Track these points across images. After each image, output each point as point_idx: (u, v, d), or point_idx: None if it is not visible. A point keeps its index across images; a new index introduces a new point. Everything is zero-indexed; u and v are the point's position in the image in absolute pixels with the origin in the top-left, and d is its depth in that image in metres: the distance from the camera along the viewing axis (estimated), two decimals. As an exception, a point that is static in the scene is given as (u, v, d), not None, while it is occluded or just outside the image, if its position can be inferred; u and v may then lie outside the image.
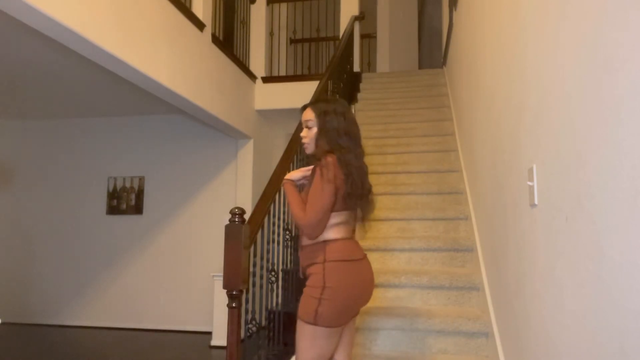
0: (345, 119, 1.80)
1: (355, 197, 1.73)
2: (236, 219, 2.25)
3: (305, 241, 1.77)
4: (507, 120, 1.94)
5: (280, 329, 2.68)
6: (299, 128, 1.91)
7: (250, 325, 2.48)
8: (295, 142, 3.11)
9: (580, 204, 1.14)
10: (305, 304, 1.68)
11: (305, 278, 1.76)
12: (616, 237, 0.96)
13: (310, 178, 1.77)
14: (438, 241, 3.14)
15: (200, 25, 4.32)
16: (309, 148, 1.84)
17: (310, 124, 1.81)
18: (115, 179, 6.13)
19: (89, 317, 5.90)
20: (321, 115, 1.81)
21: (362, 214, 1.80)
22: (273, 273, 2.70)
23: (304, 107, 1.88)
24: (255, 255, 2.51)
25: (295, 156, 3.01)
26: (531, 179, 1.52)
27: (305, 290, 1.71)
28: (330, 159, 1.70)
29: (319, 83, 4.03)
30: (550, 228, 1.37)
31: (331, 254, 1.70)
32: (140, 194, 6.06)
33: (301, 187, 1.86)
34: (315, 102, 1.88)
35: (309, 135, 1.82)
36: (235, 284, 2.21)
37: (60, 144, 6.31)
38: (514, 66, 1.81)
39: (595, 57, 1.05)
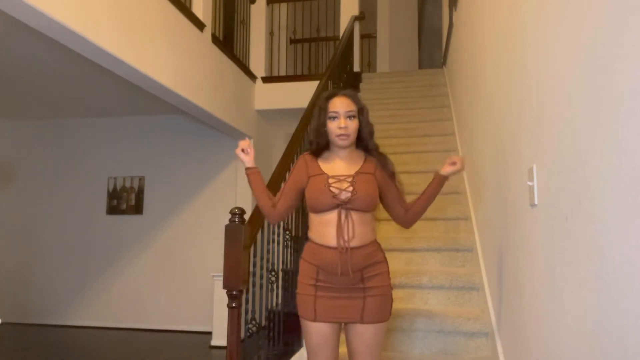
0: None
1: None
2: (236, 219, 2.25)
3: (354, 242, 1.66)
4: (507, 120, 1.94)
5: (280, 329, 2.68)
6: (322, 114, 1.74)
7: (250, 325, 2.48)
8: (295, 141, 3.11)
9: (580, 204, 1.14)
10: (388, 304, 1.72)
11: (359, 280, 1.68)
12: (616, 237, 0.96)
13: (378, 172, 1.77)
14: (438, 241, 3.14)
15: (200, 25, 4.32)
16: (349, 140, 1.73)
17: (352, 113, 1.72)
18: (115, 179, 6.13)
19: (89, 317, 5.90)
20: (363, 109, 1.76)
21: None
22: (273, 273, 2.70)
23: (334, 95, 1.76)
24: (255, 255, 2.51)
25: (295, 156, 3.00)
26: (531, 179, 1.52)
27: (382, 290, 1.70)
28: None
29: (319, 83, 4.03)
30: (550, 228, 1.37)
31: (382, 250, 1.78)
32: (140, 194, 6.06)
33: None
34: (353, 94, 1.79)
35: (351, 127, 1.71)
36: (235, 284, 2.21)
37: (60, 144, 6.31)
38: (514, 66, 1.81)
39: (595, 57, 1.05)
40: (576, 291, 1.17)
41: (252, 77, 5.55)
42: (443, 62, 5.47)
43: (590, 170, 1.08)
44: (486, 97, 2.48)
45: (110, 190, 6.13)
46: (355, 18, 5.85)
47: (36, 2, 2.50)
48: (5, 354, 4.57)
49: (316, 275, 1.69)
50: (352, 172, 1.73)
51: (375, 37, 7.61)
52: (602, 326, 1.02)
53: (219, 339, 4.65)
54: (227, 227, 2.25)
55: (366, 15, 6.26)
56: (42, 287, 6.07)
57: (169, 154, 6.04)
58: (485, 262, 2.64)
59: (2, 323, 5.40)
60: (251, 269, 2.40)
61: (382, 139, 4.37)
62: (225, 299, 2.27)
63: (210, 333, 4.95)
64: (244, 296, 2.31)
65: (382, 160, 1.80)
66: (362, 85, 5.57)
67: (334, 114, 1.71)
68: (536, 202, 1.49)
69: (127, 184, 6.10)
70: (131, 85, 3.79)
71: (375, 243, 1.74)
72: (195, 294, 5.64)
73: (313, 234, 1.74)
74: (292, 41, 6.84)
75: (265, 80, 5.68)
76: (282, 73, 6.16)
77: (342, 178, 1.70)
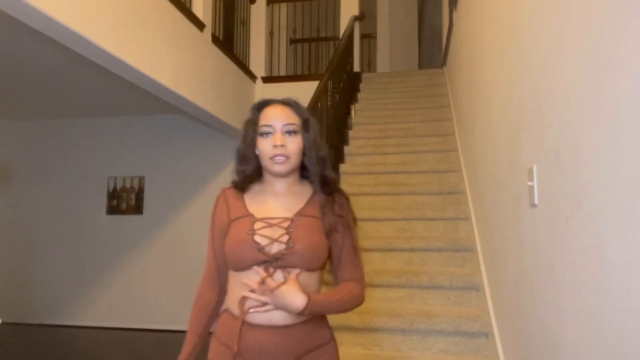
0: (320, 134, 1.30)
1: None
2: (236, 219, 2.23)
3: (290, 319, 1.17)
4: (507, 120, 1.94)
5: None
6: (250, 131, 1.27)
7: (250, 325, 2.47)
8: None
9: (580, 204, 1.14)
10: None
11: None
12: (616, 237, 0.96)
13: (330, 215, 1.24)
14: (438, 241, 3.14)
15: (200, 25, 4.32)
16: (288, 164, 1.22)
17: (292, 128, 1.22)
18: (115, 179, 6.13)
19: (89, 317, 5.90)
20: (309, 123, 1.26)
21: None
22: (273, 273, 2.69)
23: (267, 103, 1.28)
24: (255, 255, 2.50)
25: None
26: (531, 179, 1.52)
27: None
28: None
29: (319, 83, 4.03)
30: (550, 228, 1.37)
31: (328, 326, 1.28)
32: (140, 194, 6.06)
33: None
34: (295, 102, 1.28)
35: (291, 145, 1.21)
36: (235, 284, 2.20)
37: (60, 144, 6.31)
38: (514, 66, 1.81)
39: (595, 57, 1.05)
40: (576, 291, 1.17)
41: (252, 77, 5.55)
42: (443, 62, 5.47)
43: (590, 170, 1.08)
44: (486, 97, 2.48)
45: (110, 190, 6.12)
46: (355, 18, 5.86)
47: (36, 2, 2.50)
48: (5, 354, 4.57)
49: None
50: (291, 213, 1.22)
51: (375, 37, 7.61)
52: (602, 326, 1.02)
53: (219, 339, 4.64)
54: (227, 227, 2.23)
55: (366, 15, 6.26)
56: (41, 287, 6.06)
57: (169, 154, 6.04)
58: (485, 262, 2.64)
59: (1, 323, 5.40)
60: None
61: (382, 139, 4.43)
62: (225, 299, 2.26)
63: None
64: (244, 296, 2.30)
65: (339, 202, 1.26)
66: (362, 85, 5.57)
67: (266, 129, 1.22)
68: (536, 202, 1.49)
69: (127, 184, 6.10)
70: (131, 85, 3.79)
71: (321, 317, 1.24)
72: (195, 294, 5.63)
73: (230, 300, 1.28)
74: (292, 41, 6.84)
75: (266, 80, 5.68)
76: (282, 73, 6.16)
77: (274, 222, 1.20)
